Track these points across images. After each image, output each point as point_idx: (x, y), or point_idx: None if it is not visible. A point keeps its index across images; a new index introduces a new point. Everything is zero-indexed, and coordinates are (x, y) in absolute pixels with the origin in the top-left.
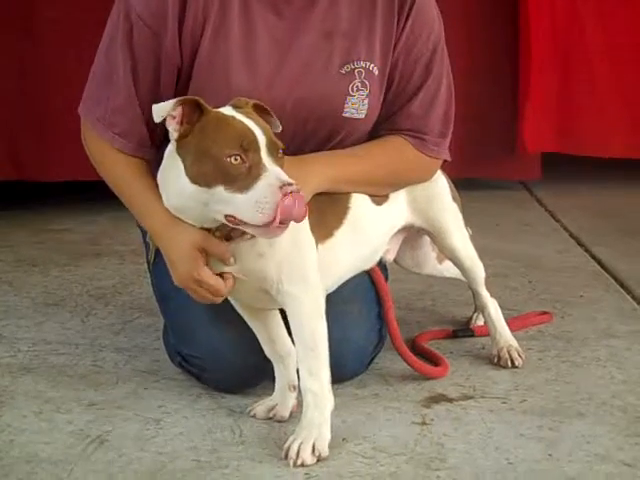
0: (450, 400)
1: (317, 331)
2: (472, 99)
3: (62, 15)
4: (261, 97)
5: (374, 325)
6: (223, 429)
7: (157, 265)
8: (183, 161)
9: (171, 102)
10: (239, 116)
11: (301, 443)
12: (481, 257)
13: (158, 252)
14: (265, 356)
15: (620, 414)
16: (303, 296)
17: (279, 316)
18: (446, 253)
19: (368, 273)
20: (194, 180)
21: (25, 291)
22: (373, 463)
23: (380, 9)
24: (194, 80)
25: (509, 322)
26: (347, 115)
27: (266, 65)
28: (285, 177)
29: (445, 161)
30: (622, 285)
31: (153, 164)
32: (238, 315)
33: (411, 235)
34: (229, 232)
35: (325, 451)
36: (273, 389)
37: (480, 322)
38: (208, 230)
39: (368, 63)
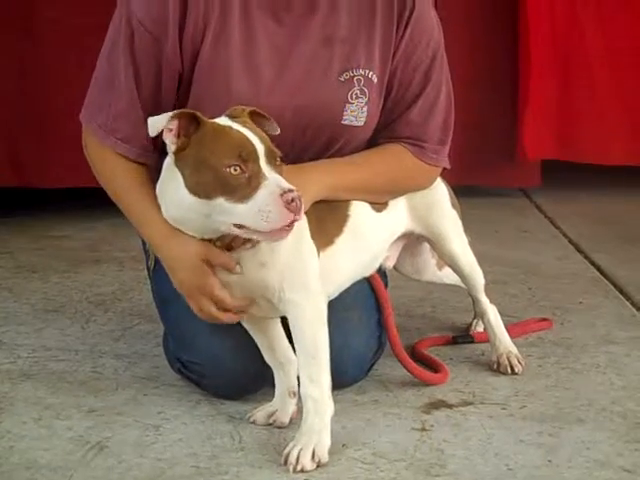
0: (450, 406)
1: (318, 338)
2: (471, 106)
3: (62, 15)
4: (261, 104)
5: (374, 332)
6: (223, 435)
7: (157, 271)
8: (182, 173)
9: (167, 115)
10: (236, 126)
11: (301, 449)
12: (480, 264)
13: (158, 259)
14: (265, 362)
15: (620, 420)
16: (305, 303)
17: (279, 324)
18: (446, 260)
19: (368, 280)
20: (193, 192)
21: (25, 297)
22: (373, 469)
23: (379, 17)
24: (195, 86)
25: (509, 328)
26: (346, 123)
27: (267, 72)
28: (285, 184)
29: (444, 168)
30: (621, 291)
31: (154, 171)
32: (238, 322)
33: (411, 242)
34: (230, 242)
35: (325, 457)
36: (273, 395)
37: (480, 328)
38: (209, 241)
39: (367, 71)
